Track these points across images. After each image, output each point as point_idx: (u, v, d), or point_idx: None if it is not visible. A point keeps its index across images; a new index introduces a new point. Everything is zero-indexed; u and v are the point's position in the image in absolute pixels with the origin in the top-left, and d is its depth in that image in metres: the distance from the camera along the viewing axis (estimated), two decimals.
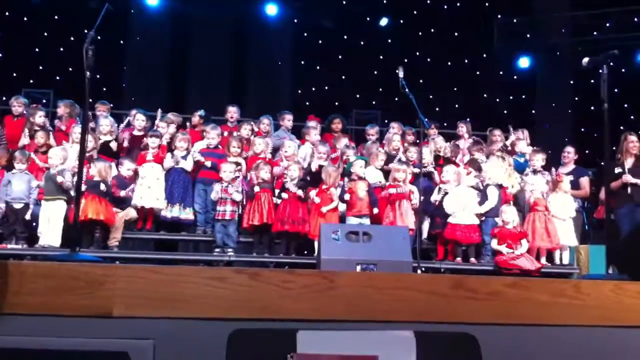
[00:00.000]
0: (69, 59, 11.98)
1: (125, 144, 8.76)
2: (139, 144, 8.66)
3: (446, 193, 8.31)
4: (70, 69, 12.08)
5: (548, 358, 2.36)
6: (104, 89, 12.04)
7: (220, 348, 2.07)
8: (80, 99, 8.23)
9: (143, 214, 8.24)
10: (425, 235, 8.46)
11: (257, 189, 8.05)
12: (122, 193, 8.00)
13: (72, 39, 12.38)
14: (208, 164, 8.39)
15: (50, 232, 7.47)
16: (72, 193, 7.44)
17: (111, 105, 9.86)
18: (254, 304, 2.20)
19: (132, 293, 2.13)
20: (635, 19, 14.15)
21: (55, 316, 2.08)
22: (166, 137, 8.64)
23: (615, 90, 11.94)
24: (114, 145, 8.65)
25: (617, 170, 8.26)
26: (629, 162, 8.35)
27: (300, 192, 8.03)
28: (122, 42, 13.68)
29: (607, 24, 14.34)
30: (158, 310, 2.13)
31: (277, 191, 8.16)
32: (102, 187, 7.67)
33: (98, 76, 10.19)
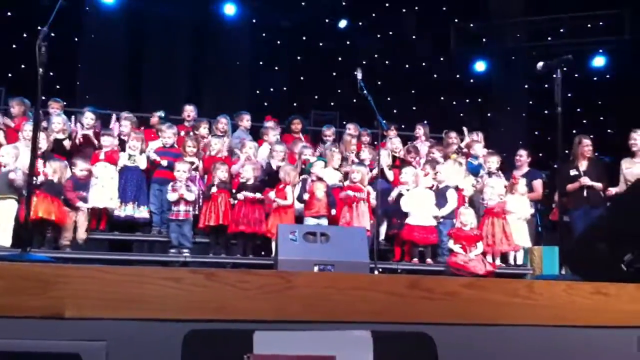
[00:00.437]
0: (22, 55, 11.72)
1: (78, 140, 8.57)
2: (90, 142, 8.51)
3: (400, 194, 8.35)
4: (23, 66, 11.82)
5: (502, 357, 2.38)
6: (58, 87, 11.82)
7: (175, 349, 2.03)
8: (33, 96, 8.06)
9: (97, 214, 8.10)
10: (382, 236, 8.51)
11: (214, 189, 7.98)
12: (79, 204, 7.80)
13: (24, 35, 12.12)
14: (164, 163, 8.30)
15: None
16: (24, 192, 7.27)
17: (64, 103, 9.68)
18: (209, 305, 2.17)
19: (85, 294, 2.08)
20: (589, 25, 14.44)
21: (4, 318, 2.01)
22: (119, 136, 8.51)
23: (569, 94, 12.16)
24: (67, 143, 8.48)
25: (572, 172, 8.41)
26: (583, 165, 8.52)
27: (258, 196, 7.98)
28: (76, 39, 13.45)
29: (561, 30, 14.62)
30: (111, 311, 2.08)
31: (233, 191, 8.11)
32: (56, 186, 7.50)
33: (51, 73, 10.00)
